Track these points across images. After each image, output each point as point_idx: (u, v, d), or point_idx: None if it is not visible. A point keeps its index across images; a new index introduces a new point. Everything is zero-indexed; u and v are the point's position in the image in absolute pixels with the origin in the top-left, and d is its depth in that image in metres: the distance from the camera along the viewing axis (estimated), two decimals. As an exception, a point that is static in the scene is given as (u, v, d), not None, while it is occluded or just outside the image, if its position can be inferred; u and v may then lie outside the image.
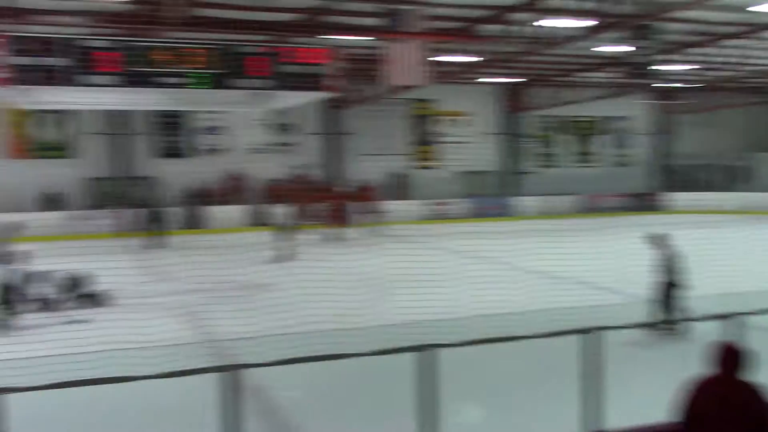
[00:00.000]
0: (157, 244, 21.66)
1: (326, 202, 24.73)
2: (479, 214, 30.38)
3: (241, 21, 17.04)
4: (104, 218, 25.20)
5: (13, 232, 14.46)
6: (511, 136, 34.10)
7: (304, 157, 30.27)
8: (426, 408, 5.29)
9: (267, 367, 5.27)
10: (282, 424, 7.47)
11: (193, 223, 26.67)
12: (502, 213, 30.88)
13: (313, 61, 14.22)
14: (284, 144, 30.31)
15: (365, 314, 11.56)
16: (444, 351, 5.32)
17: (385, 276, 14.42)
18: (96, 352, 8.36)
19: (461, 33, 20.03)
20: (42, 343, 9.76)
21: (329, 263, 16.49)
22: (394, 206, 27.58)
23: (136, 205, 24.30)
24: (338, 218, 24.16)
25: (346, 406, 7.77)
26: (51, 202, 26.32)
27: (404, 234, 24.15)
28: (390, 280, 14.29)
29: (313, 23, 18.64)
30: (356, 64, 23.87)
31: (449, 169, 32.66)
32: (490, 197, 32.15)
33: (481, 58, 22.41)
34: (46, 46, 12.48)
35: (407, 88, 21.28)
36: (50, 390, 4.60)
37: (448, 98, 32.12)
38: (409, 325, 9.80)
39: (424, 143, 32.82)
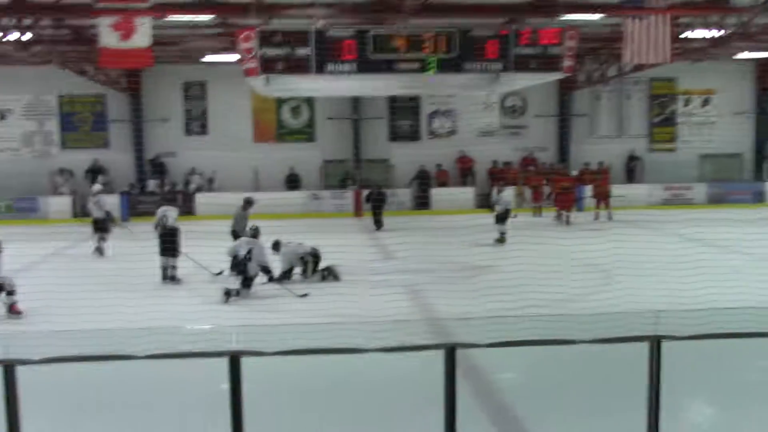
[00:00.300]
0: (383, 224, 22.43)
1: (556, 185, 24.23)
2: (722, 200, 28.12)
3: (474, 5, 17.07)
4: (338, 198, 26.81)
5: (249, 209, 15.69)
6: (765, 115, 31.12)
7: (534, 140, 29.83)
8: (653, 402, 5.04)
9: (486, 348, 5.29)
10: (498, 406, 7.47)
11: (421, 205, 27.34)
12: (750, 199, 28.35)
13: (547, 42, 13.96)
14: (514, 126, 30.06)
15: (590, 300, 11.21)
16: (675, 344, 5.02)
17: (614, 262, 13.82)
18: (324, 323, 8.84)
19: (711, 5, 18.57)
20: (274, 312, 10.55)
21: (556, 247, 16.16)
22: (628, 190, 26.37)
23: (368, 187, 25.37)
24: (568, 202, 23.60)
25: (565, 394, 7.59)
26: (293, 182, 28.26)
27: (638, 219, 23.02)
28: (620, 266, 13.68)
29: (548, 3, 18.19)
30: (592, 43, 23.04)
31: (691, 151, 30.57)
32: (737, 182, 29.66)
33: (733, 32, 20.61)
34: (292, 37, 13.40)
35: (647, 66, 20.17)
36: (280, 356, 4.94)
37: (692, 75, 29.89)
38: (637, 314, 9.33)
39: (663, 124, 30.97)
